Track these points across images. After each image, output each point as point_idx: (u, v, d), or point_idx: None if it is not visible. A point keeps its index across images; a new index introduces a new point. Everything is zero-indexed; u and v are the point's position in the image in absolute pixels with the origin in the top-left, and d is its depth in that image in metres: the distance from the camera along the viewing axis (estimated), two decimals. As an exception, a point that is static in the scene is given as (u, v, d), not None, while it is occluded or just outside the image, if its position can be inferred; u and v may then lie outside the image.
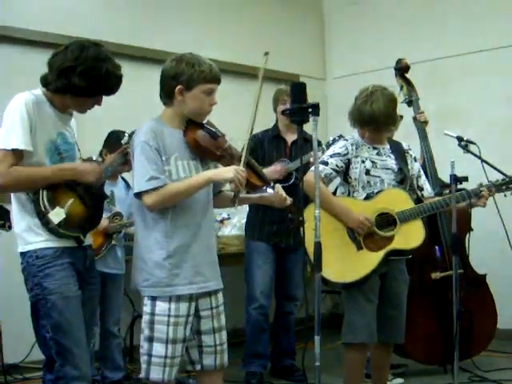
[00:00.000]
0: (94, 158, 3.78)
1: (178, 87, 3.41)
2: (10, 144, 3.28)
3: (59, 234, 3.40)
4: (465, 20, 7.31)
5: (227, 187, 3.67)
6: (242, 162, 3.47)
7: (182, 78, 3.40)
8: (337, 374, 4.91)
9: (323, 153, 5.02)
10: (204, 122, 3.57)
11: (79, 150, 3.63)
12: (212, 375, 3.60)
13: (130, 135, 4.11)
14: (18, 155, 3.31)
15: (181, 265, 3.41)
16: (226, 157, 3.52)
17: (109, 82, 3.45)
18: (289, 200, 3.71)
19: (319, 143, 5.16)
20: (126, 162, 3.76)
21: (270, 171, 5.26)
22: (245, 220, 6.28)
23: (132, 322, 5.91)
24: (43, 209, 3.37)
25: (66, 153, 3.49)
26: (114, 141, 5.00)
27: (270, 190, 3.70)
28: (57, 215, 3.39)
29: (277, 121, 5.71)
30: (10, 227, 3.05)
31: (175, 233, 3.41)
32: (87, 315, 3.56)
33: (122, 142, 4.06)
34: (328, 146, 5.25)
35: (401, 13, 7.83)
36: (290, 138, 5.63)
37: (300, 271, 5.60)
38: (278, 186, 3.70)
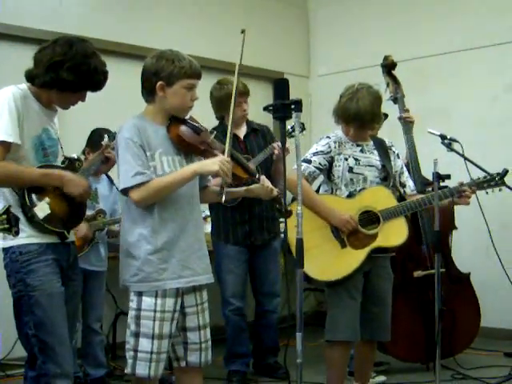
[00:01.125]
0: (76, 157, 3.76)
1: (159, 83, 3.43)
2: None
3: (44, 229, 3.41)
4: (449, 18, 7.32)
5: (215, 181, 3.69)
6: (226, 153, 3.49)
7: (163, 74, 3.43)
8: (320, 372, 4.91)
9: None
10: (187, 117, 3.59)
11: (62, 147, 3.62)
12: (192, 372, 3.62)
13: (110, 136, 4.11)
14: (5, 148, 3.30)
15: (169, 259, 3.43)
16: (210, 151, 3.54)
17: (96, 78, 3.47)
18: (275, 191, 3.73)
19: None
20: (106, 162, 3.76)
21: None
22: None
23: (115, 318, 5.90)
24: (28, 203, 3.37)
25: (49, 149, 3.49)
26: (97, 139, 4.99)
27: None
28: (42, 210, 3.40)
29: (222, 118, 5.55)
30: (17, 232, 3.03)
31: (162, 228, 3.42)
32: (70, 312, 3.57)
33: (103, 142, 4.06)
34: (289, 134, 5.21)
35: (385, 11, 7.84)
36: (240, 132, 5.52)
37: (276, 267, 5.58)
38: (264, 178, 3.73)
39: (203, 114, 3.76)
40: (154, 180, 3.37)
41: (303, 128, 5.39)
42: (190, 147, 3.52)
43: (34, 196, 3.40)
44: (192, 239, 3.52)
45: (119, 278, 3.54)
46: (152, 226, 3.42)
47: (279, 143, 5.17)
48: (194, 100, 3.53)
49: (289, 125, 5.31)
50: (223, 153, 3.52)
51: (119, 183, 3.42)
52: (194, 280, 3.51)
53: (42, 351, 3.36)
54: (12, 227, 3.04)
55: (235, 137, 5.43)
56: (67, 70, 3.37)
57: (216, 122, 5.52)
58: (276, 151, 5.34)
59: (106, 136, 4.27)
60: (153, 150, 3.42)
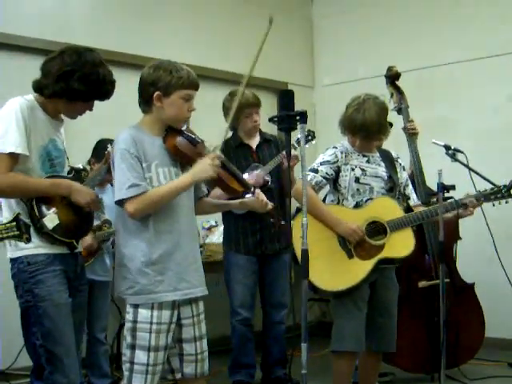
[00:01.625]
0: (82, 167, 3.76)
1: (156, 93, 3.42)
2: (6, 148, 3.28)
3: (52, 240, 3.41)
4: (452, 30, 7.35)
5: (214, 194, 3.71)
6: (216, 149, 3.52)
7: (160, 84, 3.41)
8: (324, 382, 4.90)
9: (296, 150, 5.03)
10: (184, 128, 3.58)
11: (68, 157, 3.63)
12: (194, 383, 3.60)
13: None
14: (14, 159, 3.31)
15: (164, 272, 3.40)
16: None
17: (105, 87, 3.50)
18: (270, 204, 3.73)
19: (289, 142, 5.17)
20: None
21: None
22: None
23: (119, 329, 5.89)
24: (37, 213, 3.37)
25: (56, 159, 3.50)
26: (102, 149, 4.99)
27: (248, 196, 3.72)
28: (51, 220, 3.40)
29: (235, 129, 5.56)
30: (28, 239, 3.05)
31: (158, 240, 3.40)
32: (77, 322, 3.58)
33: (107, 151, 4.06)
34: (297, 142, 5.23)
35: (389, 22, 7.86)
36: (253, 142, 5.53)
37: (285, 278, 5.57)
38: (259, 192, 3.71)
39: (201, 126, 3.74)
40: (149, 192, 3.35)
41: (313, 136, 5.38)
42: (186, 158, 3.50)
43: (43, 206, 3.40)
44: (188, 251, 3.50)
45: (114, 290, 3.54)
46: (148, 238, 3.39)
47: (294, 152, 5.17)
48: (190, 111, 3.51)
49: (298, 134, 5.32)
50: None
51: (115, 194, 3.39)
52: (191, 292, 3.49)
53: (49, 361, 3.37)
54: (23, 234, 3.06)
55: (248, 147, 5.50)
56: (78, 79, 3.39)
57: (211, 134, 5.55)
58: (285, 160, 5.36)
59: (109, 145, 4.26)
60: (149, 161, 3.40)
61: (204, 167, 3.40)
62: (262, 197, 3.70)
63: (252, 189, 3.68)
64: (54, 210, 3.43)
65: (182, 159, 3.51)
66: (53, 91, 3.41)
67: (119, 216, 3.49)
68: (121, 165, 3.36)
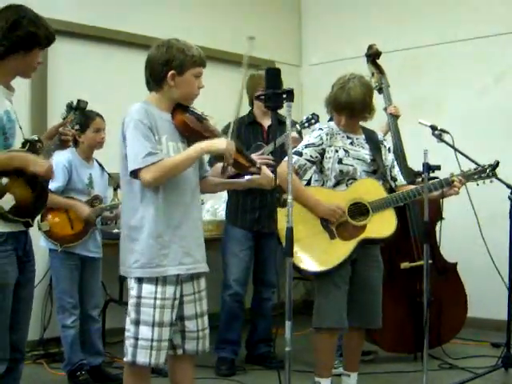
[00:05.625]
0: (37, 138, 3.67)
1: (171, 72, 3.44)
2: None
3: (9, 220, 3.41)
4: (440, 10, 7.34)
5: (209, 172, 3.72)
6: (229, 136, 3.53)
7: (174, 64, 3.44)
8: (309, 360, 4.93)
9: (298, 132, 5.07)
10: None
11: (21, 127, 3.59)
12: (185, 360, 3.62)
13: (69, 107, 3.99)
14: None
15: (170, 245, 3.42)
16: (213, 138, 3.53)
17: (51, 30, 3.52)
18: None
19: (294, 123, 5.17)
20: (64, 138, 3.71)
21: None
22: (219, 206, 6.27)
23: (104, 306, 5.90)
24: None
25: (9, 131, 3.46)
26: (86, 120, 5.00)
27: (247, 177, 3.75)
28: (7, 201, 3.39)
29: (252, 107, 5.70)
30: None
31: (165, 213, 3.42)
32: (27, 297, 3.64)
33: (62, 116, 3.96)
34: (302, 125, 5.26)
35: (377, 1, 7.85)
36: (266, 122, 5.61)
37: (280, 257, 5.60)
38: (265, 168, 3.72)
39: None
40: (164, 160, 3.36)
41: (317, 120, 5.37)
42: (194, 134, 3.53)
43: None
44: (193, 226, 3.53)
45: (120, 265, 3.53)
46: (155, 210, 3.40)
47: (294, 133, 5.18)
48: (200, 88, 3.55)
49: (304, 115, 5.44)
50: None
51: (129, 165, 3.37)
52: (194, 267, 3.52)
53: None
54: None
55: (260, 126, 5.63)
56: (28, 24, 3.40)
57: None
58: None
59: (64, 111, 4.07)
60: (160, 134, 3.42)
61: (221, 141, 3.44)
62: (269, 173, 3.71)
63: (258, 164, 3.69)
64: (6, 180, 3.40)
65: (191, 135, 3.54)
66: (8, 46, 3.40)
67: (127, 189, 3.49)
68: (136, 134, 3.36)
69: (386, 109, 5.79)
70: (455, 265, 5.89)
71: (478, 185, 4.64)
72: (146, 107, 3.43)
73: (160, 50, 3.47)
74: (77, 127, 4.02)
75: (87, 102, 3.93)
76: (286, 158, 3.38)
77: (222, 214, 6.38)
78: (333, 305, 4.30)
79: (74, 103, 3.89)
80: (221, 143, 3.43)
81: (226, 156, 3.44)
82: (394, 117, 5.80)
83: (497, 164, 4.58)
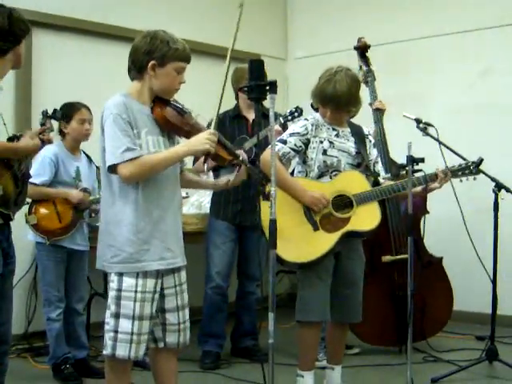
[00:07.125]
0: (19, 135, 3.68)
1: (152, 62, 3.42)
2: None
3: None
4: (426, 4, 7.35)
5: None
6: (212, 126, 3.54)
7: (156, 55, 3.42)
8: (294, 352, 4.92)
9: (280, 125, 5.06)
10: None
11: (5, 124, 3.59)
12: (168, 354, 3.62)
13: (44, 115, 4.02)
14: None
15: (150, 240, 3.41)
16: (194, 132, 3.51)
17: (27, 24, 3.54)
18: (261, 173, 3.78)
19: (276, 115, 5.17)
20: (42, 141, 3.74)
21: None
22: (203, 199, 6.26)
23: (89, 299, 5.88)
24: None
25: None
26: (68, 112, 4.99)
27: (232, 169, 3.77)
28: None
29: (238, 100, 5.69)
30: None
31: (145, 208, 3.40)
32: (9, 287, 3.66)
33: (40, 122, 4.00)
34: (285, 118, 5.26)
35: (363, -5, 7.84)
36: (252, 116, 5.60)
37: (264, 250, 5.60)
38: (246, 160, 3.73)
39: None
40: (144, 156, 3.34)
41: (300, 113, 5.36)
42: (174, 128, 3.51)
43: None
44: (173, 220, 3.52)
45: (97, 259, 3.51)
46: (135, 205, 3.39)
47: (277, 126, 5.17)
48: (181, 83, 3.53)
49: (288, 109, 5.44)
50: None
51: (107, 159, 3.35)
52: (174, 262, 3.52)
53: None
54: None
55: (245, 119, 5.63)
56: (18, 15, 3.44)
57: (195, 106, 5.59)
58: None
59: (40, 116, 4.10)
60: (139, 128, 3.40)
61: (201, 140, 3.41)
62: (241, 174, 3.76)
63: (240, 157, 3.68)
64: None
65: (170, 129, 3.53)
66: (13, 40, 3.43)
67: (106, 182, 3.47)
68: (114, 129, 3.34)
69: (371, 104, 5.79)
70: (441, 259, 5.90)
71: (461, 181, 4.65)
72: (125, 100, 3.40)
73: (145, 39, 3.46)
74: (52, 134, 4.03)
75: (62, 112, 4.07)
76: (270, 147, 3.36)
77: (207, 207, 6.37)
78: (317, 298, 4.29)
79: (49, 112, 3.97)
80: (202, 144, 3.40)
81: (210, 150, 3.43)
82: (380, 111, 5.80)
83: (480, 161, 4.60)
